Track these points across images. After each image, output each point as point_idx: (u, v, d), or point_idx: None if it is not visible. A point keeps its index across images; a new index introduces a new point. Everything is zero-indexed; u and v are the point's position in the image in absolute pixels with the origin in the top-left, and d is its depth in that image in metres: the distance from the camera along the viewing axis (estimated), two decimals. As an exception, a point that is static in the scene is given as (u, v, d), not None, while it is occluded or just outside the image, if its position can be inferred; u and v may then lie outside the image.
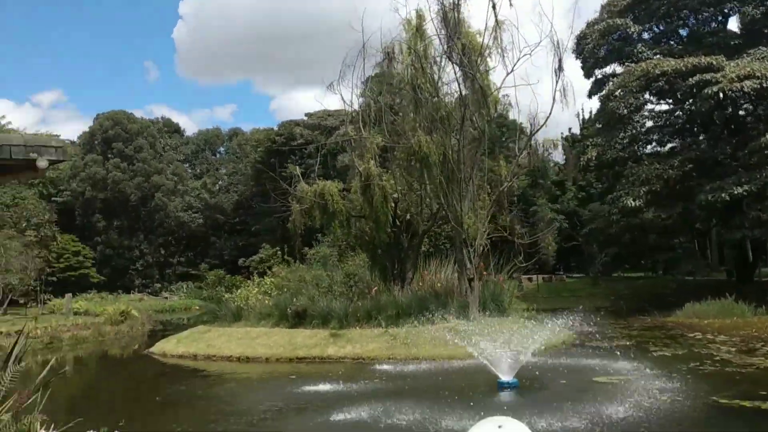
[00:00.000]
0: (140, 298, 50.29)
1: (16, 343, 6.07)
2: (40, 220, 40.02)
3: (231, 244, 67.44)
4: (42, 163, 5.73)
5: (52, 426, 5.13)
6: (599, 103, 31.38)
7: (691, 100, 26.97)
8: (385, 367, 15.26)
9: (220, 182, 71.85)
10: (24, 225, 37.69)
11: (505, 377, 12.31)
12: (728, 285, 26.76)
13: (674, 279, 31.54)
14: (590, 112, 46.11)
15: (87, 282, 50.85)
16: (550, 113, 17.60)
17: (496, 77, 19.39)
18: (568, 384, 12.36)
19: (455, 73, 19.66)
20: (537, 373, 13.11)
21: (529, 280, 36.44)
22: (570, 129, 50.23)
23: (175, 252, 65.22)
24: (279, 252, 54.71)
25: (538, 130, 18.33)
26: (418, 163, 17.93)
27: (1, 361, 5.29)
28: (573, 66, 39.91)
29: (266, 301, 20.29)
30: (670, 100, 27.95)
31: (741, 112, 26.12)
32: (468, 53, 18.40)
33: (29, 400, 4.79)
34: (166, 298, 54.36)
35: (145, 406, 12.19)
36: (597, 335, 18.68)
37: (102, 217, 58.44)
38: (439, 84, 19.21)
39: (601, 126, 31.90)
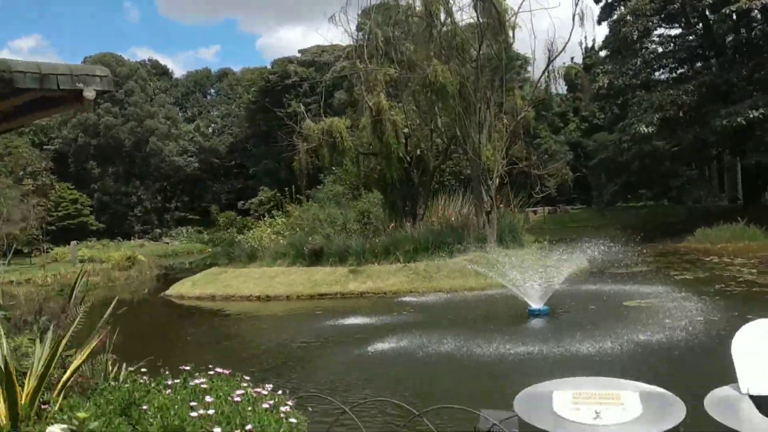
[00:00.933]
0: (141, 243, 50.07)
1: (76, 283, 5.85)
2: (36, 169, 39.28)
3: (228, 187, 66.84)
4: (89, 93, 5.31)
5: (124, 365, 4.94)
6: (608, 29, 30.52)
7: (701, 25, 26.22)
8: (409, 299, 15.29)
9: (213, 125, 70.48)
10: (20, 174, 36.97)
11: (536, 305, 12.32)
12: (736, 210, 26.78)
13: (683, 207, 31.52)
14: (593, 41, 45.09)
15: (86, 230, 50.52)
16: (569, 38, 17.08)
17: (511, 1, 18.57)
18: (598, 309, 12.38)
19: None
20: (564, 299, 13.14)
21: (534, 212, 36.37)
22: (572, 58, 49.11)
23: (171, 197, 64.62)
24: (278, 194, 54.68)
25: (557, 56, 17.78)
26: (434, 94, 17.39)
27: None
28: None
29: (281, 241, 20.10)
30: (683, 24, 27.12)
31: (755, 33, 25.35)
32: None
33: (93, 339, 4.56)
34: (167, 243, 54.24)
35: (177, 346, 12.13)
36: (614, 263, 18.73)
37: (96, 163, 57.52)
38: (454, 9, 18.39)
39: (609, 53, 31.12)
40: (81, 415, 2.96)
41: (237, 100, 68.82)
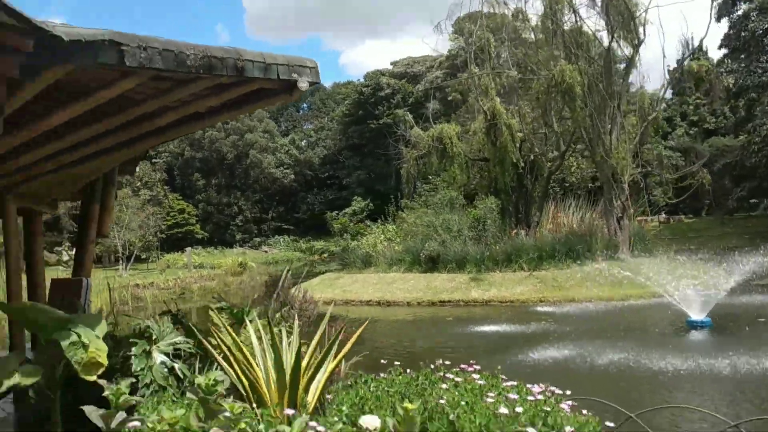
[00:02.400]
0: (242, 252, 51.87)
1: (282, 283, 5.81)
2: (151, 180, 41.52)
3: (320, 198, 68.04)
4: (303, 84, 5.21)
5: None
6: (728, 27, 28.58)
7: None
8: (544, 308, 14.62)
9: (307, 138, 72.33)
10: (137, 185, 39.18)
11: (696, 316, 11.40)
12: None
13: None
14: (700, 40, 42.49)
15: (192, 238, 52.88)
16: (706, 33, 15.78)
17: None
18: (767, 322, 11.30)
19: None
20: (723, 311, 12.09)
21: (645, 221, 34.41)
22: (678, 60, 46.55)
23: (268, 207, 66.62)
24: (370, 203, 55.08)
25: (693, 52, 16.58)
26: (561, 95, 16.70)
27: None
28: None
29: (395, 248, 19.95)
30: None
31: None
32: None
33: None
34: (266, 251, 55.85)
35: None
36: (755, 274, 17.20)
37: (200, 175, 60.27)
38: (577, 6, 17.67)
39: (729, 51, 29.07)
40: (409, 406, 2.73)
41: (330, 113, 70.25)
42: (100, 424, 2.49)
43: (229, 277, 29.03)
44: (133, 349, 4.05)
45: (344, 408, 3.37)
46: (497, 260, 18.08)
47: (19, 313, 3.48)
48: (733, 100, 27.83)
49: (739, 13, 26.50)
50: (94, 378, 3.69)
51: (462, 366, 4.00)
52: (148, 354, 4.22)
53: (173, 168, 60.78)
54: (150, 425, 2.60)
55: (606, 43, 16.97)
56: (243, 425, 2.66)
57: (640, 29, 16.92)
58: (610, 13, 16.50)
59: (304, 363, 3.94)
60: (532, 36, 21.58)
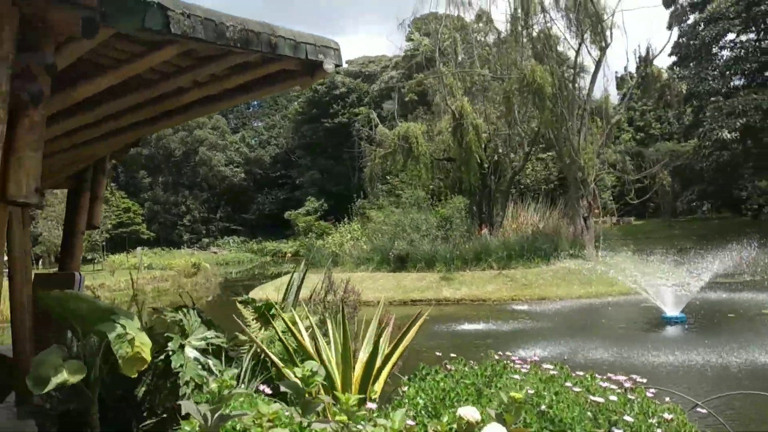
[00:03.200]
0: (191, 252, 50.41)
1: (292, 285, 5.54)
2: (96, 176, 39.74)
3: (271, 197, 66.96)
4: (329, 65, 4.95)
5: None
6: (677, 35, 29.77)
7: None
8: (520, 307, 14.71)
9: (258, 136, 71.11)
10: (82, 181, 37.42)
11: (671, 312, 11.70)
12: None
13: (757, 221, 30.33)
14: (647, 49, 44.19)
15: (138, 238, 50.98)
16: (669, 39, 16.24)
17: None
18: (737, 317, 11.70)
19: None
20: (692, 307, 12.45)
21: (598, 222, 35.37)
22: (625, 68, 48.26)
23: (216, 207, 65.10)
24: (324, 203, 54.58)
25: (656, 56, 17.13)
26: (531, 95, 16.88)
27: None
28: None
29: (363, 247, 19.72)
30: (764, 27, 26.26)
31: None
32: (579, -26, 17.07)
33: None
34: (215, 252, 54.50)
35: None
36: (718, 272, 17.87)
37: (146, 173, 58.29)
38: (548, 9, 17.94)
39: (678, 59, 30.28)
40: (516, 395, 2.54)
41: (282, 111, 69.25)
42: (198, 418, 2.20)
43: (182, 279, 28.10)
44: (170, 344, 3.70)
45: (419, 401, 3.15)
46: (466, 259, 18.13)
47: (60, 302, 3.10)
48: (680, 106, 28.91)
49: (689, 22, 27.59)
50: (135, 374, 3.34)
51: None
52: (182, 349, 3.88)
53: (118, 165, 58.53)
54: (249, 421, 2.32)
55: (575, 45, 17.28)
56: (343, 417, 2.41)
57: (607, 33, 17.36)
58: (579, 15, 16.83)
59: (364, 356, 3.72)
60: (496, 37, 21.85)
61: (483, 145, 22.11)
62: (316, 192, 59.10)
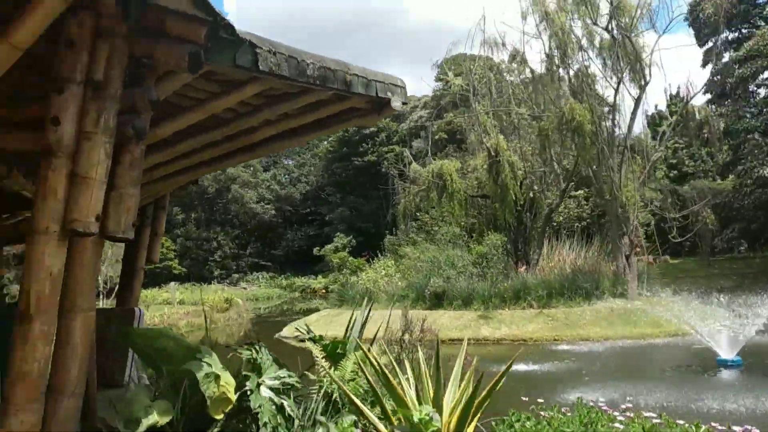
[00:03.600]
0: (221, 288, 50.64)
1: (363, 317, 5.49)
2: (132, 212, 40.41)
3: (300, 234, 67.32)
4: (396, 103, 4.97)
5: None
6: (711, 73, 29.51)
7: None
8: (563, 347, 14.32)
9: (289, 174, 72.11)
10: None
11: (726, 355, 11.25)
12: None
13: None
14: (677, 87, 43.92)
15: (170, 273, 51.53)
16: (711, 76, 16.14)
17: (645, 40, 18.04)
18: (797, 361, 11.20)
19: (594, 40, 18.48)
20: (750, 350, 11.96)
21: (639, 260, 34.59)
22: (656, 106, 47.99)
23: (246, 243, 65.67)
24: (353, 240, 54.65)
25: (696, 94, 16.97)
26: (571, 132, 16.79)
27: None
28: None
29: (398, 283, 19.55)
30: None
31: None
32: (617, 14, 17.13)
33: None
34: (245, 288, 54.67)
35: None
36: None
37: (180, 209, 59.22)
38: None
39: (712, 96, 29.97)
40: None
41: (312, 149, 70.19)
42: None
43: (215, 314, 28.09)
44: (248, 383, 3.62)
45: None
46: (505, 297, 17.83)
47: (147, 339, 3.06)
48: (720, 143, 28.46)
49: (724, 60, 27.40)
50: (221, 415, 3.26)
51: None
52: (258, 388, 3.79)
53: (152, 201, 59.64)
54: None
55: (614, 83, 17.23)
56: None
57: (646, 70, 17.29)
58: (619, 53, 16.82)
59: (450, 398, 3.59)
60: (530, 77, 21.93)
61: (519, 183, 21.98)
62: (345, 229, 59.25)
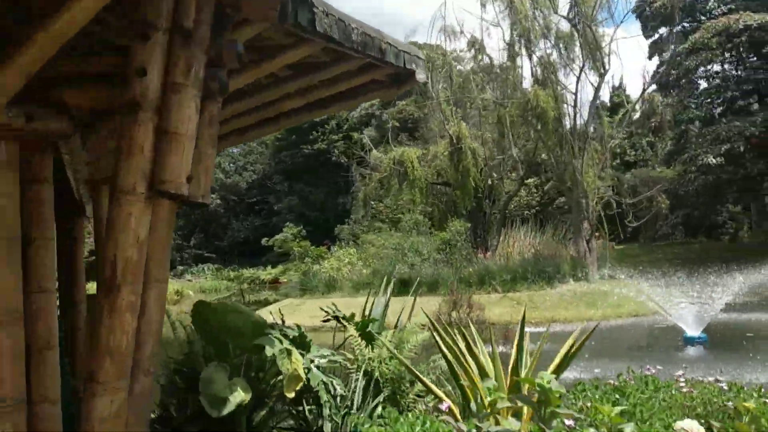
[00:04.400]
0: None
1: (386, 299, 5.29)
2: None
3: (247, 224, 66.12)
4: (421, 75, 4.85)
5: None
6: (657, 65, 30.73)
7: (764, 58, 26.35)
8: (531, 329, 14.47)
9: (235, 162, 70.51)
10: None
11: (692, 332, 11.74)
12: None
13: (734, 245, 31.04)
14: (620, 79, 45.47)
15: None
16: (667, 64, 16.72)
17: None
18: (756, 337, 11.79)
19: (553, 29, 18.80)
20: (714, 328, 12.52)
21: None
22: (600, 97, 49.51)
23: (190, 234, 63.96)
24: (303, 230, 54.03)
25: (653, 82, 17.52)
26: (535, 119, 17.07)
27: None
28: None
29: (363, 271, 19.46)
30: (745, 57, 27.30)
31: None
32: (578, 3, 17.49)
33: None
34: (190, 280, 53.22)
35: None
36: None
37: (120, 199, 57.03)
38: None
39: (657, 87, 31.15)
40: (750, 405, 2.39)
41: (259, 137, 68.94)
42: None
43: (167, 306, 27.24)
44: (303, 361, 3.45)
45: (603, 417, 2.98)
46: (470, 282, 18.03)
47: (222, 314, 2.83)
48: (673, 132, 29.55)
49: (669, 52, 28.48)
50: (293, 394, 3.08)
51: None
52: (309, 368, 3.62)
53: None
54: None
55: (576, 71, 17.61)
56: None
57: (605, 59, 17.76)
58: (581, 42, 17.19)
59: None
60: (488, 64, 22.15)
61: (479, 170, 22.23)
62: (294, 218, 58.39)
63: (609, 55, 17.87)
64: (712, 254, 31.72)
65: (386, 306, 5.58)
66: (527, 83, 18.51)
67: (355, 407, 3.77)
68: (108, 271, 2.27)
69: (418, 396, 4.45)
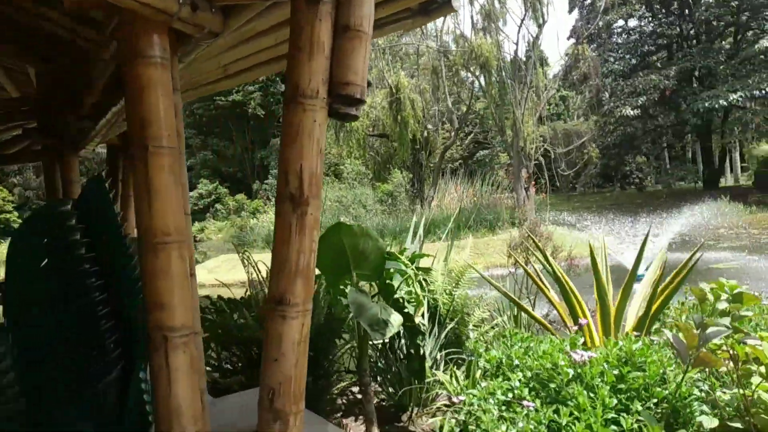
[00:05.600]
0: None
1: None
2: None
3: (159, 181, 62.94)
4: (456, 2, 4.72)
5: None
6: (576, 18, 31.66)
7: (676, 13, 27.82)
8: (485, 274, 15.01)
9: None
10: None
11: (640, 270, 12.54)
12: (696, 192, 28.65)
13: (642, 193, 33.38)
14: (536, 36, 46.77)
15: (9, 227, 46.05)
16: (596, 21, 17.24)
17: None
18: (693, 273, 12.77)
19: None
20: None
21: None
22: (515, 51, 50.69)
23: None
24: (219, 186, 52.32)
25: (587, 35, 18.06)
26: (479, 68, 17.20)
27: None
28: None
29: (306, 223, 19.17)
30: (662, 11, 28.68)
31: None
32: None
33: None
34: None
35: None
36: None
37: (16, 156, 52.52)
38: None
39: (576, 40, 32.21)
40: None
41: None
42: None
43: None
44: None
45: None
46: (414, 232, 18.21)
47: (357, 237, 2.63)
48: (601, 82, 30.68)
49: (587, 3, 29.49)
50: (419, 319, 2.97)
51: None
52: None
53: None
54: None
55: (517, 20, 17.83)
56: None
57: (544, 10, 18.10)
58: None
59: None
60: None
61: (418, 121, 22.27)
62: (208, 174, 56.32)
63: (547, 6, 18.27)
64: (624, 201, 34.03)
65: (420, 247, 5.51)
66: (467, 32, 18.55)
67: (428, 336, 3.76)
68: (294, 182, 2.05)
69: (475, 326, 4.49)
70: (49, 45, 5.34)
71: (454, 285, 4.19)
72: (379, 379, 3.81)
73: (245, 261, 4.58)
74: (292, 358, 2.04)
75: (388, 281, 2.98)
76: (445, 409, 3.27)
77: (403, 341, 3.60)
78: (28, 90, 6.34)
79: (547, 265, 4.16)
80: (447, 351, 3.89)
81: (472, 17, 18.69)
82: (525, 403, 2.30)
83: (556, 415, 2.18)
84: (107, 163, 6.52)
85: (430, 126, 23.52)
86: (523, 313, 4.77)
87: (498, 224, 18.18)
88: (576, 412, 2.15)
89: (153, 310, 2.02)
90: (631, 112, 25.82)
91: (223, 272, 19.08)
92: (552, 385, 2.35)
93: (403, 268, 2.82)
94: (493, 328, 4.49)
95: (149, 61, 2.01)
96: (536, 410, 2.24)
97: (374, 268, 2.71)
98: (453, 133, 23.09)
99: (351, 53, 2.11)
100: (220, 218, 42.67)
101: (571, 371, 2.37)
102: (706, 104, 24.47)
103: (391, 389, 3.56)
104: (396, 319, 2.44)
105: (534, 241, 4.74)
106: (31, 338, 2.11)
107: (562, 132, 28.35)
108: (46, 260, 2.16)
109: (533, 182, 19.21)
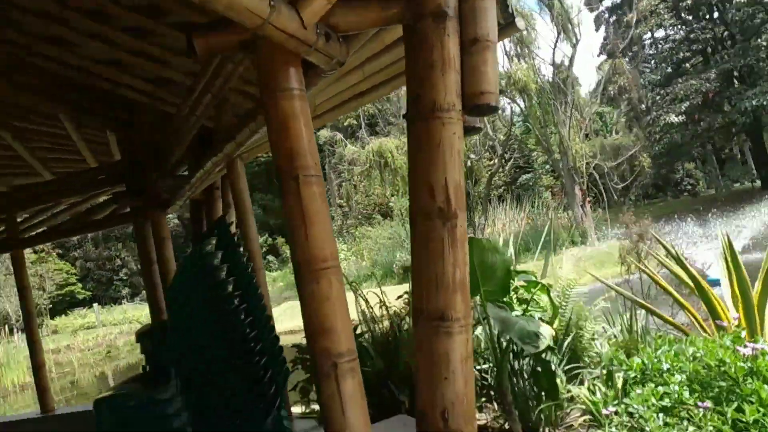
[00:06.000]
0: (135, 306, 47.58)
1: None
2: (28, 237, 36.75)
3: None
4: (521, 23, 4.74)
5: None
6: (604, 35, 31.55)
7: (712, 15, 27.52)
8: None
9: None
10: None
11: (715, 275, 12.08)
12: (754, 192, 27.53)
13: (697, 199, 32.36)
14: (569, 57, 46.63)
15: (74, 299, 47.72)
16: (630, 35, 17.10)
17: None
18: None
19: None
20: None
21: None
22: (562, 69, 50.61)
23: (150, 258, 61.94)
24: (268, 238, 53.27)
25: (618, 52, 17.95)
26: (518, 93, 17.23)
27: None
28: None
29: (362, 263, 19.25)
30: (694, 18, 28.37)
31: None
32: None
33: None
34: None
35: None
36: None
37: (73, 230, 54.69)
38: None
39: (607, 57, 32.00)
40: None
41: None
42: None
43: (152, 329, 26.25)
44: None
45: None
46: (473, 262, 18.05)
47: (485, 252, 2.61)
48: (640, 96, 30.30)
49: (615, 19, 29.38)
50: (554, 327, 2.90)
51: None
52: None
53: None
54: None
55: (551, 43, 17.89)
56: None
57: (576, 30, 18.11)
58: (554, 14, 17.46)
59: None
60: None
61: (460, 151, 22.28)
62: (258, 228, 57.49)
63: (579, 26, 18.30)
64: (681, 208, 32.93)
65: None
66: (501, 58, 18.63)
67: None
68: (441, 197, 2.05)
69: (591, 339, 4.37)
70: (129, 110, 5.58)
71: (564, 299, 4.09)
72: (497, 400, 3.71)
73: (358, 296, 4.64)
74: (462, 376, 2.00)
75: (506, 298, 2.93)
76: (585, 424, 3.15)
77: (524, 358, 3.51)
78: (104, 159, 6.61)
79: (678, 269, 4.08)
80: (567, 366, 3.78)
81: (503, 44, 18.80)
82: (699, 404, 2.19)
83: (740, 414, 2.06)
84: (191, 217, 6.70)
85: (472, 155, 23.54)
86: (635, 322, 4.64)
87: (558, 244, 17.85)
88: (763, 409, 2.04)
89: (318, 337, 2.02)
90: (676, 119, 25.29)
91: (287, 320, 19.20)
92: (722, 383, 2.24)
93: (533, 279, 2.76)
94: (608, 339, 4.36)
95: (290, 93, 2.07)
96: (713, 410, 2.13)
97: (501, 285, 2.67)
98: (497, 160, 23.01)
99: (483, 64, 2.13)
100: (272, 269, 43.41)
101: (745, 366, 2.26)
102: (753, 102, 23.87)
103: (515, 410, 3.46)
104: (546, 331, 2.38)
105: (663, 245, 4.68)
106: (196, 377, 2.13)
107: (609, 146, 27.97)
108: (203, 300, 2.20)
109: (588, 198, 18.87)
